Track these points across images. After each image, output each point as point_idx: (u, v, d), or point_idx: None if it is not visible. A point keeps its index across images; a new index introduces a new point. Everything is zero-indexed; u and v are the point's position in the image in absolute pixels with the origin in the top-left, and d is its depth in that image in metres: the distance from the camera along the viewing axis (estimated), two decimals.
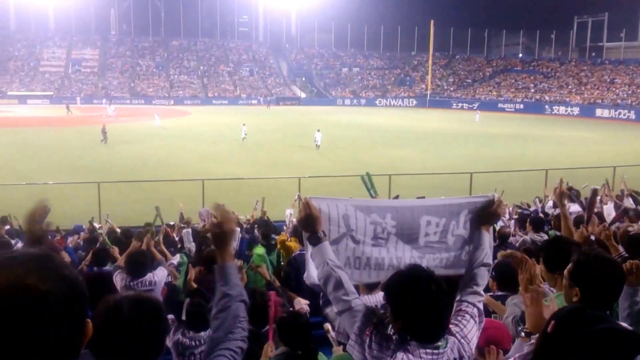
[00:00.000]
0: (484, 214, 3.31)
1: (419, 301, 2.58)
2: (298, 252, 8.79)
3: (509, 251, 4.10)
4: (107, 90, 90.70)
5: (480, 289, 3.11)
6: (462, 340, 2.78)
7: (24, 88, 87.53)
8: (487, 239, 3.27)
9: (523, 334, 3.16)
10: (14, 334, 1.29)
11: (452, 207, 3.27)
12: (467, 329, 2.86)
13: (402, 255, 3.18)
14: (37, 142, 38.21)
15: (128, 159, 31.52)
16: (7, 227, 13.13)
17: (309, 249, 3.00)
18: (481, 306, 3.04)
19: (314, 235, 2.97)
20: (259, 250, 4.13)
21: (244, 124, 41.95)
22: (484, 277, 3.16)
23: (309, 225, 2.99)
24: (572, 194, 11.38)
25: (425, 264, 3.13)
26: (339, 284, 2.83)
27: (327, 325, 4.47)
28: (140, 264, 6.80)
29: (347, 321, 2.83)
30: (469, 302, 3.00)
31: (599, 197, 11.00)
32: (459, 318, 2.91)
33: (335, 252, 3.02)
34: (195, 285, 6.18)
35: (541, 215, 12.10)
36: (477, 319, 2.95)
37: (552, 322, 2.41)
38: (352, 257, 3.11)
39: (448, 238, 3.28)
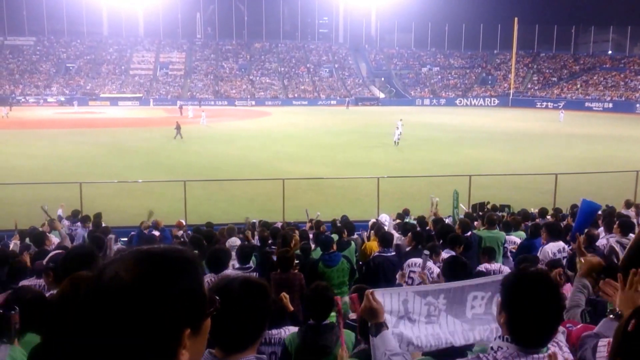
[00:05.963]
0: None
1: (535, 303, 2.61)
2: (377, 253, 8.95)
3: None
4: (192, 92, 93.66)
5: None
6: (565, 348, 2.91)
7: (116, 90, 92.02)
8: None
9: (612, 315, 3.19)
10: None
11: (499, 282, 3.30)
12: (563, 342, 3.01)
13: (454, 330, 3.46)
14: (128, 142, 39.76)
15: (211, 158, 32.42)
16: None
17: (371, 339, 3.25)
18: None
19: (376, 325, 3.23)
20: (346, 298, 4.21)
21: (400, 119, 41.45)
22: (574, 317, 3.39)
23: (372, 315, 3.24)
24: None
25: (478, 336, 3.41)
26: None
27: None
28: (219, 260, 7.16)
29: None
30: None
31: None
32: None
33: (398, 334, 3.31)
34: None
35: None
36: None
37: (633, 320, 2.19)
38: (413, 336, 3.39)
39: (493, 309, 3.40)
